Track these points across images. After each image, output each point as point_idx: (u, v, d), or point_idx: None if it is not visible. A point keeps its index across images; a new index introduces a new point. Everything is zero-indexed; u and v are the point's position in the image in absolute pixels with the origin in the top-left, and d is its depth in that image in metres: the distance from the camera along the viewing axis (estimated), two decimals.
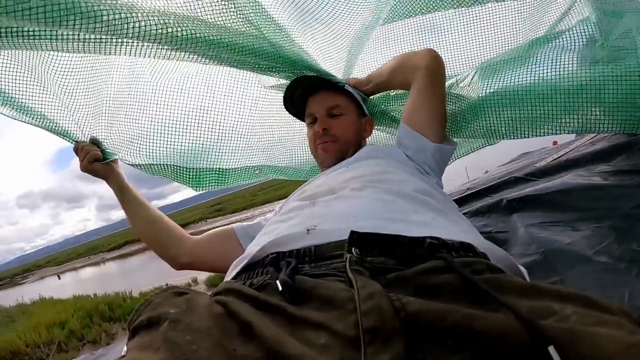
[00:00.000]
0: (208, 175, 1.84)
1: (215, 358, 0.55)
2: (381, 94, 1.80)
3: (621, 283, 1.10)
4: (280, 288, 0.68)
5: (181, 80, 1.69)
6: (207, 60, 1.35)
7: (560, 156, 2.12)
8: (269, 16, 1.44)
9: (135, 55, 1.19)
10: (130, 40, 1.11)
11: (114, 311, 16.86)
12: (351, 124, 1.62)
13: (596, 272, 1.21)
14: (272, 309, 0.65)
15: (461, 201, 2.05)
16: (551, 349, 0.47)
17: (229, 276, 0.98)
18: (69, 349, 14.25)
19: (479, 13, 1.80)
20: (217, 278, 14.85)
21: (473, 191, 2.09)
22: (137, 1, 1.11)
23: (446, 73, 1.61)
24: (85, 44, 1.08)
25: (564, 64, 1.45)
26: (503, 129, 1.55)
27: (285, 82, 1.70)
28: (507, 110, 1.51)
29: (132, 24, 1.01)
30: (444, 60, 1.55)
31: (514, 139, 1.55)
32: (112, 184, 1.66)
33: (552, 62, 1.46)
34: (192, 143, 1.76)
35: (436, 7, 1.75)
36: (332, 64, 1.79)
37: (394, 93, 1.81)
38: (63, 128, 1.54)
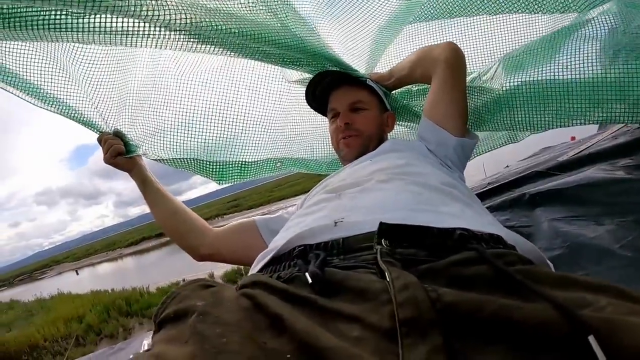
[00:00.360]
0: (231, 169, 1.84)
1: (246, 351, 0.54)
2: (403, 88, 1.78)
3: None
4: (310, 280, 0.68)
5: (206, 74, 1.69)
6: (233, 53, 1.34)
7: (582, 150, 2.11)
8: (293, 9, 1.43)
9: (161, 47, 1.19)
10: (158, 32, 1.11)
11: (131, 306, 17.07)
12: (373, 119, 1.61)
13: (621, 267, 1.21)
14: (302, 301, 0.64)
15: (482, 196, 2.04)
16: (591, 339, 0.46)
17: (254, 269, 0.97)
18: (86, 343, 14.48)
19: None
20: (234, 273, 14.90)
21: (494, 186, 2.08)
22: None
23: (468, 67, 1.59)
24: (112, 35, 1.09)
25: (587, 54, 1.43)
26: (527, 121, 1.53)
27: (308, 76, 1.70)
28: (532, 102, 1.49)
29: (161, 15, 1.01)
30: (465, 54, 1.53)
31: (538, 131, 1.54)
32: (135, 176, 1.67)
33: (575, 52, 1.44)
34: (216, 137, 1.76)
35: (472, 12, 1.73)
36: (355, 58, 1.78)
37: (416, 88, 1.79)
38: (87, 118, 1.55)
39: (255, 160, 1.89)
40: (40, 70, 1.38)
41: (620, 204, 1.46)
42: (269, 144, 1.90)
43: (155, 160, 1.69)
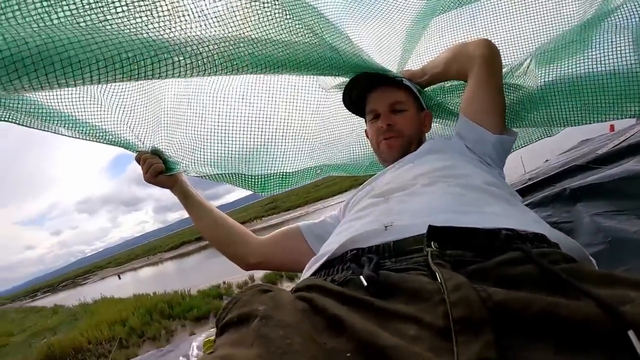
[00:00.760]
0: (272, 180, 1.85)
1: (309, 351, 0.57)
2: (435, 86, 1.77)
3: None
4: (365, 283, 0.70)
5: (241, 89, 1.68)
6: (272, 73, 1.36)
7: (622, 142, 2.08)
8: (326, 20, 1.44)
9: (204, 76, 1.16)
10: (202, 67, 1.08)
11: (172, 308, 17.21)
12: (413, 119, 1.61)
13: None
14: (359, 303, 0.67)
15: (523, 192, 2.02)
16: (631, 333, 0.48)
17: (306, 274, 1.00)
18: (129, 345, 14.65)
19: None
20: (274, 275, 14.96)
21: (535, 181, 2.07)
22: (207, 32, 1.11)
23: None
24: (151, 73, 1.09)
25: (620, 46, 1.41)
26: (564, 116, 1.52)
27: (342, 80, 1.71)
28: (567, 97, 1.48)
29: (203, 56, 1.02)
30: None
31: (575, 126, 1.53)
32: (177, 192, 1.69)
33: (607, 45, 1.43)
34: (255, 151, 1.77)
35: None
36: (387, 57, 1.78)
37: (449, 84, 1.78)
38: (124, 140, 1.56)
39: (296, 170, 1.90)
40: (72, 101, 1.40)
41: None
42: (308, 153, 1.91)
43: (197, 176, 1.71)
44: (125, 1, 0.93)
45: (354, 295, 0.69)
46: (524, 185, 2.10)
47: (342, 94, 1.69)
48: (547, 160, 2.64)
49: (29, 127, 1.35)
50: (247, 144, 1.73)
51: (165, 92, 1.59)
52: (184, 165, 1.66)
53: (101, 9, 0.90)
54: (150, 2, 0.98)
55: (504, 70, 1.72)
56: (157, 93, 1.56)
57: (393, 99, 1.60)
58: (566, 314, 0.53)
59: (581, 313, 0.53)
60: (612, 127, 3.38)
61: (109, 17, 0.91)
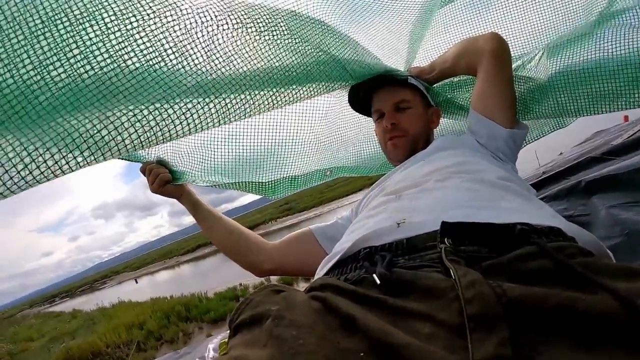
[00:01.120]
0: (281, 184, 1.85)
1: (322, 351, 0.56)
2: (444, 81, 1.76)
3: None
4: (378, 281, 0.70)
5: None
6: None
7: (636, 132, 2.06)
8: (332, 32, 1.41)
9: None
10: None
11: (190, 311, 17.33)
12: (419, 117, 1.60)
13: None
14: (372, 301, 0.67)
15: (538, 185, 2.01)
16: None
17: (319, 273, 1.00)
18: (147, 348, 14.78)
19: None
20: (289, 277, 15.02)
21: (549, 174, 2.05)
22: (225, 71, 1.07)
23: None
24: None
25: (633, 36, 1.40)
26: (574, 106, 1.51)
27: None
28: (578, 87, 1.47)
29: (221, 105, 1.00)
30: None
31: (587, 115, 1.51)
32: (185, 202, 1.68)
33: (620, 35, 1.42)
34: (264, 157, 1.77)
35: None
36: (394, 55, 1.77)
37: (457, 79, 1.77)
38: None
39: (305, 172, 1.91)
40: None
41: None
42: (317, 156, 1.91)
43: (205, 185, 1.69)
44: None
45: (367, 293, 0.69)
46: (539, 179, 2.09)
47: (347, 96, 1.69)
48: (561, 153, 2.63)
49: None
50: (254, 151, 1.72)
51: None
52: (191, 174, 1.65)
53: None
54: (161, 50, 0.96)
55: (515, 64, 1.70)
56: None
57: (398, 97, 1.59)
58: (583, 309, 0.53)
59: (598, 307, 0.52)
60: (626, 118, 3.36)
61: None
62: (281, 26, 1.22)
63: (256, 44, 1.15)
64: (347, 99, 1.70)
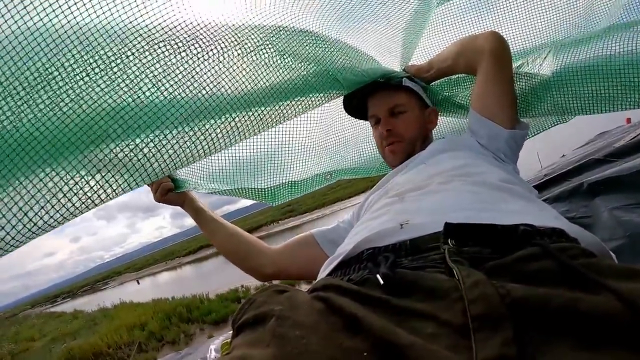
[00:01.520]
0: (282, 190, 1.86)
1: (326, 351, 0.56)
2: (441, 80, 1.74)
3: None
4: (381, 282, 0.70)
5: None
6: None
7: (639, 134, 2.06)
8: (323, 39, 1.42)
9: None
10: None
11: (191, 312, 17.34)
12: (415, 120, 1.59)
13: None
14: (376, 301, 0.66)
15: (540, 187, 2.01)
16: None
17: (322, 273, 1.00)
18: (148, 349, 14.80)
19: None
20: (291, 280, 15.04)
21: (552, 176, 2.05)
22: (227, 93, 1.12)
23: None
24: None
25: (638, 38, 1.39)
26: (577, 104, 1.49)
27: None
28: (581, 85, 1.46)
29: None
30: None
31: (589, 114, 1.50)
32: (187, 208, 1.70)
33: (625, 37, 1.41)
34: (262, 164, 1.78)
35: None
36: (389, 57, 1.76)
37: (455, 77, 1.74)
38: None
39: (305, 178, 1.91)
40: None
41: None
42: (316, 161, 1.92)
43: (207, 192, 1.72)
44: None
45: (370, 294, 0.69)
46: (541, 181, 2.09)
47: (342, 102, 1.69)
48: (563, 155, 2.62)
49: None
50: (253, 158, 1.74)
51: None
52: (192, 182, 1.67)
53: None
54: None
55: (519, 62, 1.69)
56: None
57: (392, 102, 1.59)
58: (586, 309, 0.52)
59: (601, 308, 0.52)
60: (628, 120, 3.35)
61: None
62: (267, 45, 1.23)
63: (244, 66, 1.17)
64: (342, 103, 1.70)
